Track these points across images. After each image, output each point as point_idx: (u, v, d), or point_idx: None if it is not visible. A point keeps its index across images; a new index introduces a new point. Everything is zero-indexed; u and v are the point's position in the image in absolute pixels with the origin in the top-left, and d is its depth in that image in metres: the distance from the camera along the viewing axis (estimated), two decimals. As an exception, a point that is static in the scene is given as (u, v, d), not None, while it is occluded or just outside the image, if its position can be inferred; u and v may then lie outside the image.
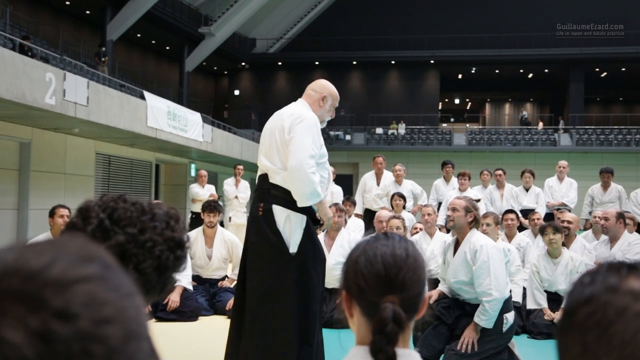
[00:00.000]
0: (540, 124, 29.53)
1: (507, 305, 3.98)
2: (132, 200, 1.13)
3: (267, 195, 3.40)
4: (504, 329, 3.93)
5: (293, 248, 3.32)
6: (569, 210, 8.04)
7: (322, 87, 3.58)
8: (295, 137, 3.29)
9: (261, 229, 3.35)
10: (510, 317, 3.97)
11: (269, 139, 3.44)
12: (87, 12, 22.56)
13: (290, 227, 3.33)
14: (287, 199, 3.33)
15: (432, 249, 6.17)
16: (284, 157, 3.33)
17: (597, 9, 28.92)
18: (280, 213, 3.35)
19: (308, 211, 3.40)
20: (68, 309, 0.46)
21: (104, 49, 19.26)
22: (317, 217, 3.48)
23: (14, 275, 0.47)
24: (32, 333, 0.44)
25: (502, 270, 3.91)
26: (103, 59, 18.68)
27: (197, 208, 10.32)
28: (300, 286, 3.32)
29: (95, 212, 1.10)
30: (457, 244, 4.08)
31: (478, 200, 4.40)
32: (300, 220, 3.36)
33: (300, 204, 3.31)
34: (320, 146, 3.39)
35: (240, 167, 10.52)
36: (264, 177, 3.44)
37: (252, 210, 3.49)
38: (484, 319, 3.85)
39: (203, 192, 10.50)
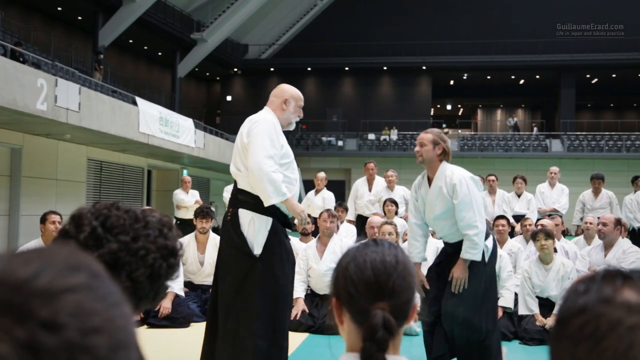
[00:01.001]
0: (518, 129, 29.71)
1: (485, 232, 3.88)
2: (125, 207, 1.12)
3: (235, 199, 3.52)
4: (487, 257, 3.83)
5: (257, 250, 3.37)
6: (560, 217, 8.07)
7: (282, 91, 3.70)
8: (252, 140, 3.40)
9: (228, 232, 3.45)
10: (489, 243, 3.86)
11: (235, 145, 3.59)
12: (79, 17, 22.51)
13: (254, 229, 3.39)
14: (252, 202, 3.42)
15: (424, 254, 6.17)
16: (245, 159, 3.45)
17: (596, 11, 29.12)
18: (244, 216, 3.43)
19: (275, 213, 3.43)
20: (55, 320, 0.45)
21: (102, 56, 19.29)
22: (290, 221, 3.54)
23: (0, 286, 0.47)
24: (18, 344, 0.44)
25: (481, 202, 3.84)
26: (101, 67, 18.75)
27: (182, 214, 10.29)
28: (266, 288, 3.35)
29: (88, 219, 1.09)
30: (429, 180, 3.93)
31: (446, 133, 4.22)
32: (265, 222, 3.41)
33: (266, 203, 3.37)
34: (280, 147, 3.47)
35: None
36: (235, 183, 3.57)
37: (224, 215, 3.59)
38: (474, 252, 3.74)
39: (188, 198, 10.45)
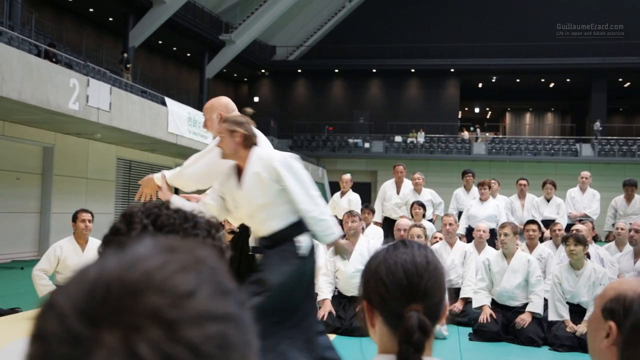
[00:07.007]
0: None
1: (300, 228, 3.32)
2: (174, 207, 1.13)
3: None
4: (304, 252, 3.26)
5: None
6: (591, 222, 7.95)
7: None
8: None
9: None
10: (305, 239, 3.30)
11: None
12: (110, 19, 22.85)
13: None
14: None
15: (452, 258, 6.15)
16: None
17: (619, 13, 28.64)
18: None
19: None
20: (202, 348, 0.44)
21: (125, 55, 19.49)
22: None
23: (159, 293, 0.45)
24: (163, 359, 0.43)
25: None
26: (127, 66, 18.92)
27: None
28: None
29: (139, 218, 1.10)
30: (239, 171, 3.39)
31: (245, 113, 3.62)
32: None
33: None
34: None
35: None
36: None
37: None
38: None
39: None
